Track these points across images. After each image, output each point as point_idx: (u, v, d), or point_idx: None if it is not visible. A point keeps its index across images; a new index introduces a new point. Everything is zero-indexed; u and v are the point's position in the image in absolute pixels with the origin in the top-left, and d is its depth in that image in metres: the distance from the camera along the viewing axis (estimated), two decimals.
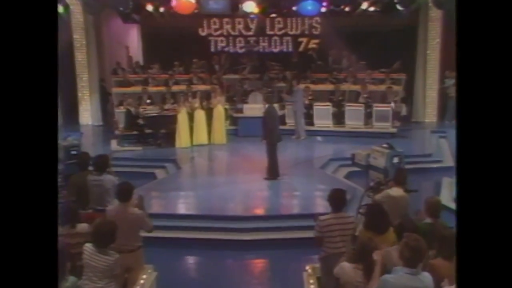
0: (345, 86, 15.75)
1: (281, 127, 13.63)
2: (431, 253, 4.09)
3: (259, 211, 8.81)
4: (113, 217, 5.10)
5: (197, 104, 13.91)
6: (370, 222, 4.77)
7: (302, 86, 15.21)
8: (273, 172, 10.09)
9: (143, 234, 5.55)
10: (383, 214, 4.81)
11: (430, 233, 4.32)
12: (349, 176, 11.13)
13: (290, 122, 14.84)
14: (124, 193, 5.42)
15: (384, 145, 9.10)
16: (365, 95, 15.00)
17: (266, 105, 10.18)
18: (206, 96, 14.63)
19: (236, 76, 16.57)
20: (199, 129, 13.81)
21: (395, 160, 8.64)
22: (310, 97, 15.31)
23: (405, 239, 3.62)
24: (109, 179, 6.45)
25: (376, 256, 3.69)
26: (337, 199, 5.19)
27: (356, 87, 15.47)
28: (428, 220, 4.88)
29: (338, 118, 15.11)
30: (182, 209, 9.09)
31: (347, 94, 15.56)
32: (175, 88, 15.42)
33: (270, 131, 9.91)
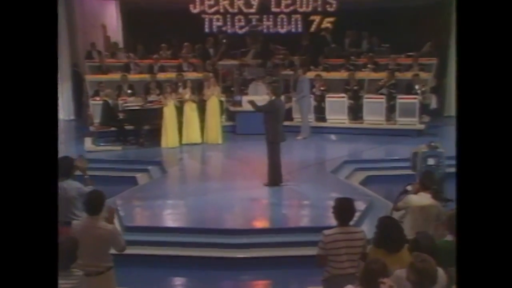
0: (364, 74, 15.87)
1: (288, 123, 13.94)
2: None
3: (259, 224, 8.97)
4: (79, 232, 5.17)
5: (187, 96, 14.07)
6: (380, 237, 4.84)
7: (311, 74, 15.35)
8: (274, 178, 10.24)
9: (115, 252, 5.64)
10: (396, 228, 4.87)
11: (450, 252, 4.40)
12: (367, 181, 11.29)
13: (298, 117, 14.99)
14: (93, 204, 5.45)
15: (433, 144, 9.14)
16: (386, 83, 15.11)
17: (272, 97, 10.26)
18: (199, 86, 14.76)
19: (235, 62, 16.70)
20: (189, 125, 13.99)
21: (430, 161, 8.69)
22: (321, 88, 15.44)
23: (412, 260, 3.74)
24: (74, 187, 6.49)
25: (384, 284, 3.73)
26: (344, 211, 5.27)
27: (377, 75, 15.59)
28: (449, 237, 4.90)
29: (355, 112, 15.24)
30: (168, 221, 9.25)
31: (366, 84, 15.67)
32: (161, 76, 15.57)
33: (272, 129, 10.04)
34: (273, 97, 10.21)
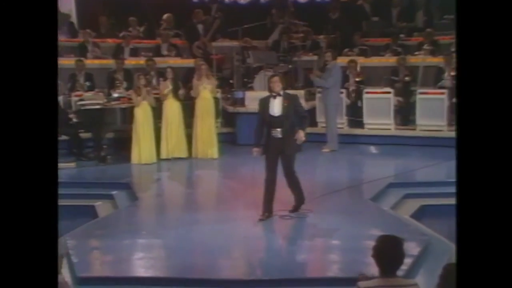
0: (418, 59, 15.92)
1: (308, 129, 13.98)
2: None
3: (268, 273, 8.98)
4: None
5: (167, 91, 14.16)
6: None
7: (344, 60, 15.41)
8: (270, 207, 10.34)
9: None
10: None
11: None
12: (422, 213, 11.27)
13: (323, 122, 15.08)
14: None
15: None
16: (451, 74, 15.15)
17: (283, 91, 10.36)
18: (184, 78, 14.85)
19: (235, 44, 16.77)
20: (171, 132, 14.09)
21: None
22: (357, 78, 15.51)
23: None
24: None
25: None
26: (388, 254, 5.28)
27: (437, 60, 15.63)
28: None
29: (405, 114, 15.28)
30: (139, 268, 9.23)
31: (421, 73, 15.72)
32: (130, 62, 15.70)
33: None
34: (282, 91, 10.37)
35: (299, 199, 10.48)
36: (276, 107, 10.18)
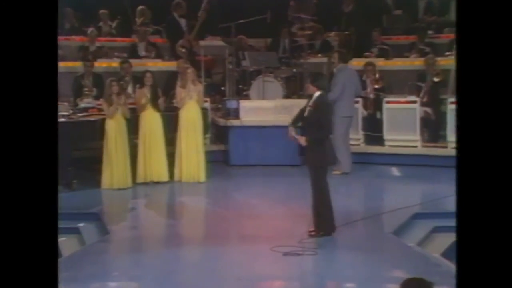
0: (450, 60, 15.96)
1: None
2: None
3: None
4: None
5: (145, 100, 14.19)
6: None
7: (359, 63, 15.46)
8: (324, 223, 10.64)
9: None
10: None
11: None
12: (455, 251, 11.26)
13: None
14: None
15: None
16: None
17: (317, 93, 10.52)
18: (166, 84, 14.87)
19: (227, 43, 16.79)
20: (149, 151, 14.12)
21: None
22: (376, 85, 15.55)
23: None
24: None
25: None
26: None
27: None
28: None
29: (434, 128, 15.33)
30: None
31: (453, 78, 15.75)
32: (101, 65, 15.73)
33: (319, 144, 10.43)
34: (317, 92, 10.57)
35: (321, 223, 10.68)
36: (307, 110, 10.55)
